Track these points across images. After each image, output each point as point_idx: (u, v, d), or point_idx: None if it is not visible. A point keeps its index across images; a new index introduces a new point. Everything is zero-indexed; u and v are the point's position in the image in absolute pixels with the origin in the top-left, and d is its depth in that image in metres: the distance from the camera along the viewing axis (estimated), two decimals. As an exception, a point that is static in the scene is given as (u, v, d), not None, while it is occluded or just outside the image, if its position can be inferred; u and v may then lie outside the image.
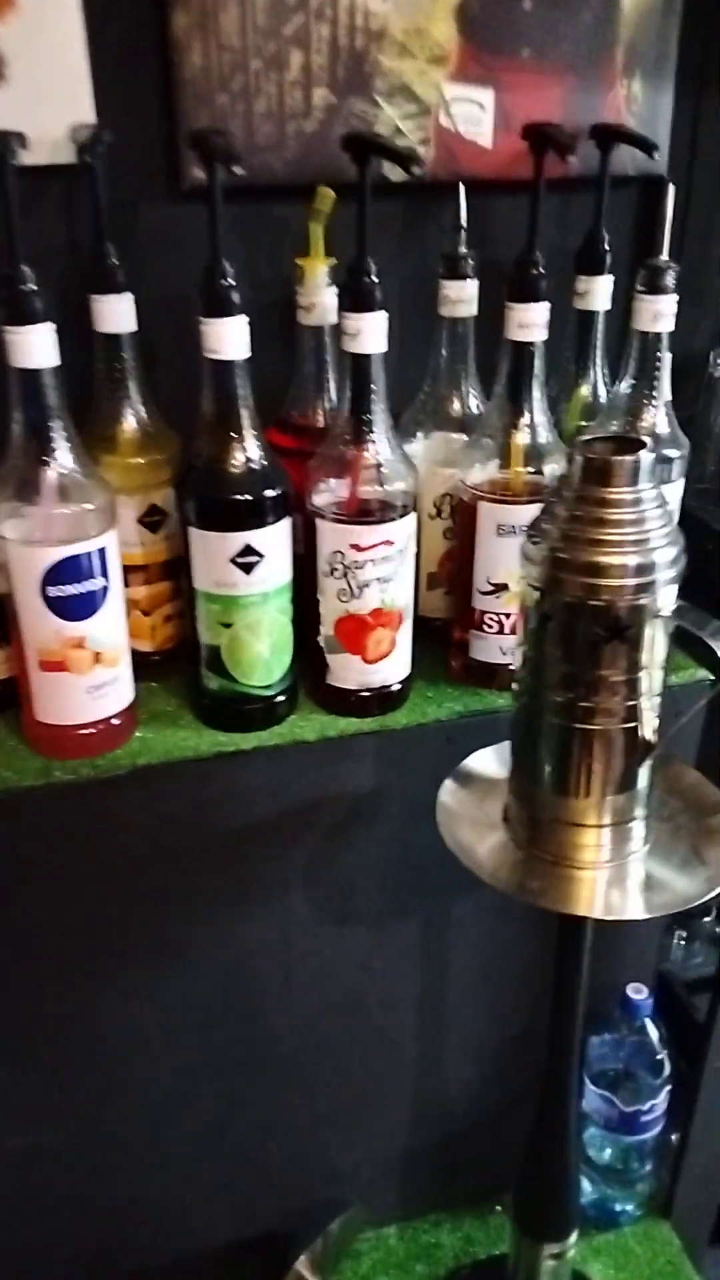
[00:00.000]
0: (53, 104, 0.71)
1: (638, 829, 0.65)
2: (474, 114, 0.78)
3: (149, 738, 0.76)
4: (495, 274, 0.84)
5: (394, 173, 0.78)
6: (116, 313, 0.74)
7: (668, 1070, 0.96)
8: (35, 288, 0.63)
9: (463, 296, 0.79)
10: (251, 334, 0.81)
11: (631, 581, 0.56)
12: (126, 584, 0.78)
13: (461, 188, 0.77)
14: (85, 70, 0.71)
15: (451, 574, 0.83)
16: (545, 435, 0.77)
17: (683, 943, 1.09)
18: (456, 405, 0.82)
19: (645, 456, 0.56)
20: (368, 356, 0.70)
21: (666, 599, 0.57)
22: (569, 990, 0.74)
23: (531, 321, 0.72)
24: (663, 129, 0.83)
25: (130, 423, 0.77)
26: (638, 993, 0.93)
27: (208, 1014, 0.85)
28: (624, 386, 0.79)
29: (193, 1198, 0.95)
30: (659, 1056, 0.95)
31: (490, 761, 0.74)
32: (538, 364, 0.74)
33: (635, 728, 0.61)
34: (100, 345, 0.75)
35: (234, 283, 0.66)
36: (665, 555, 0.57)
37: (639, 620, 0.57)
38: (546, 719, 0.61)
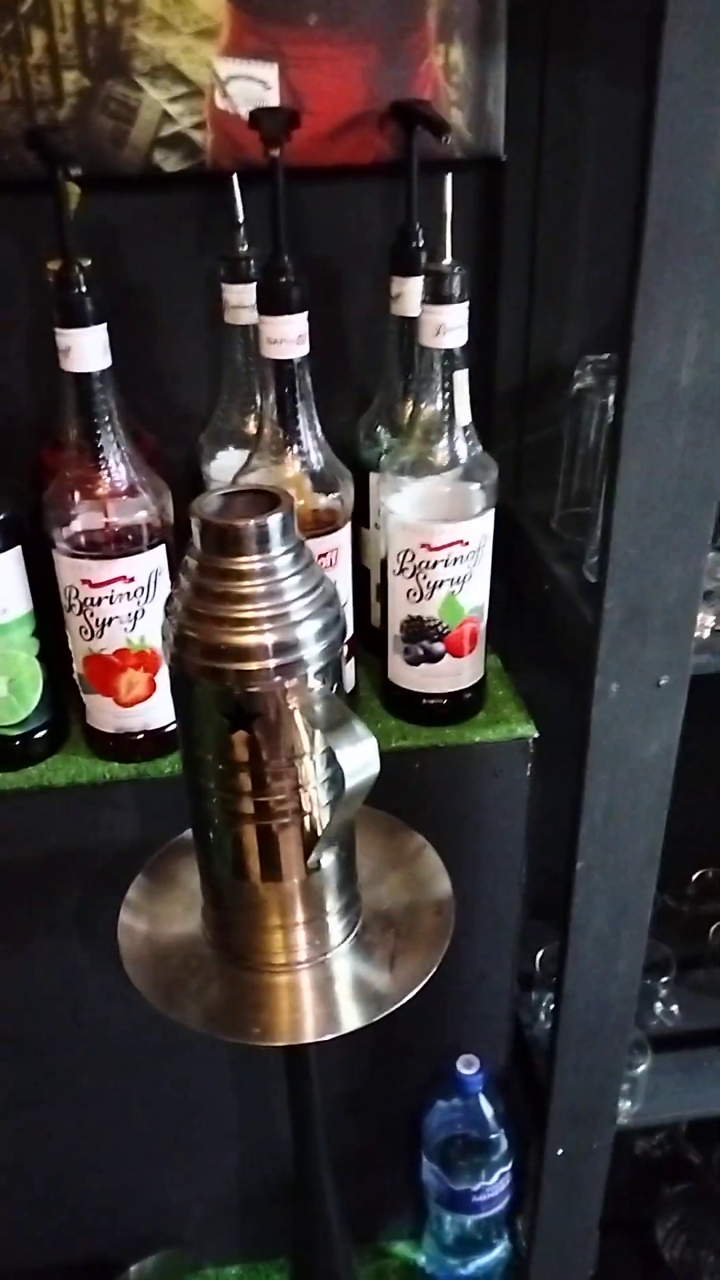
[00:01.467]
0: None
1: (334, 925, 0.58)
2: (257, 93, 0.69)
3: None
4: (314, 275, 0.75)
5: (168, 162, 0.71)
6: None
7: (503, 1149, 0.88)
8: None
9: (244, 301, 0.70)
10: (22, 340, 0.76)
11: (259, 664, 0.48)
12: None
13: (235, 180, 0.69)
14: None
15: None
16: (317, 461, 0.68)
17: (551, 1005, 0.99)
18: (253, 422, 0.75)
19: (273, 520, 0.47)
20: (87, 375, 0.63)
21: (312, 681, 0.49)
22: (305, 1109, 0.67)
23: (283, 337, 0.64)
24: (496, 105, 0.71)
25: None
26: (468, 1067, 0.85)
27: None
28: (427, 408, 0.69)
29: (4, 1225, 0.94)
30: (493, 1136, 0.87)
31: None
32: (302, 382, 0.66)
33: (301, 818, 0.53)
34: None
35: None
36: (305, 631, 0.49)
37: (272, 707, 0.49)
38: (208, 804, 0.54)
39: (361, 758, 0.47)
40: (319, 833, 0.53)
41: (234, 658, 0.48)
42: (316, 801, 0.52)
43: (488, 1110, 0.87)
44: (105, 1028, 0.83)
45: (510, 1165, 0.90)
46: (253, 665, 0.48)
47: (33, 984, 0.80)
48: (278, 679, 0.49)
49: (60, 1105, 0.87)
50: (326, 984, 0.58)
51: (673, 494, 0.58)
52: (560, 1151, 0.88)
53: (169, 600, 0.51)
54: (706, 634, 0.69)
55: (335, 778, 0.51)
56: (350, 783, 0.47)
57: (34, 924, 0.78)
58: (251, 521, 0.47)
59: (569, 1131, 0.89)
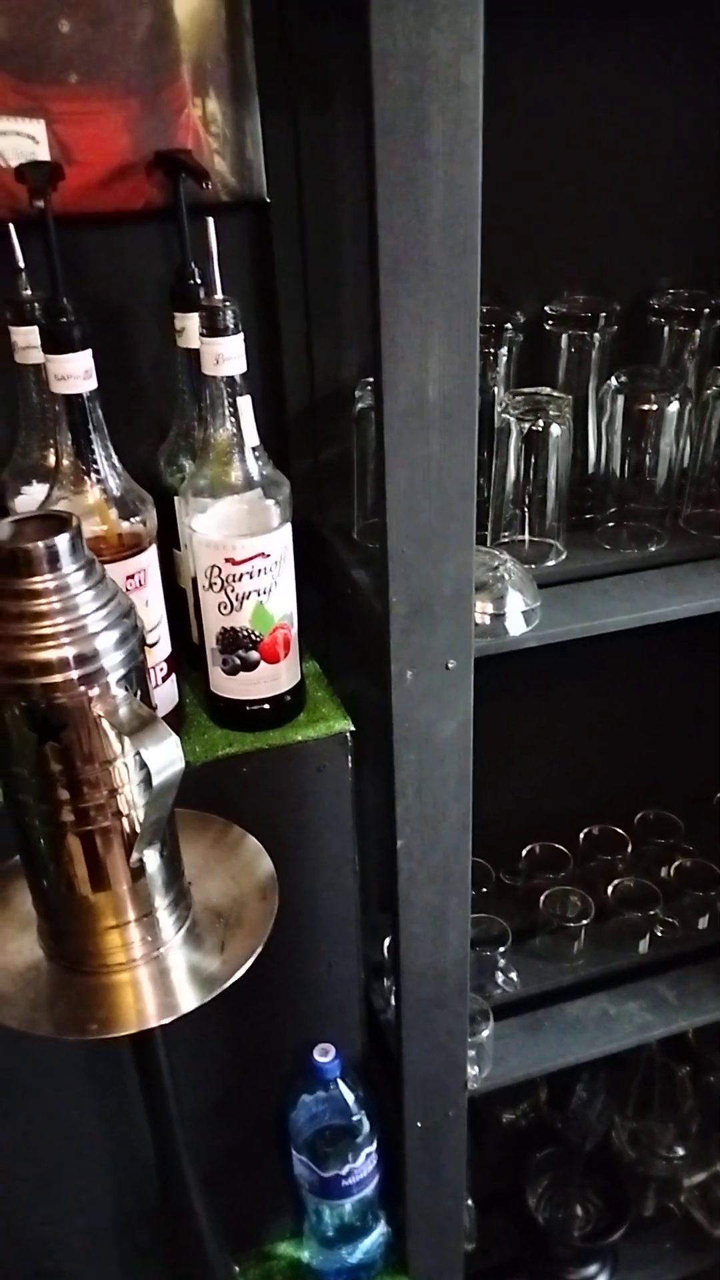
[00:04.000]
0: None
1: (164, 919, 0.61)
2: (27, 147, 0.73)
3: None
4: (98, 313, 0.79)
5: (-56, 214, 0.73)
6: None
7: (366, 1130, 0.93)
8: None
9: (29, 342, 0.74)
10: None
11: (62, 676, 0.52)
12: None
13: (11, 228, 0.72)
14: None
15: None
16: (117, 487, 0.72)
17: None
18: (52, 456, 0.78)
19: (62, 540, 0.51)
20: None
21: (115, 689, 0.53)
22: (160, 1109, 0.70)
23: (69, 373, 0.67)
24: (254, 150, 0.78)
25: None
26: (324, 1055, 0.89)
27: None
28: (217, 433, 0.74)
29: None
30: (355, 1118, 0.92)
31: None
32: (94, 414, 0.70)
33: (121, 820, 0.56)
34: None
35: None
36: (103, 643, 0.52)
37: (79, 718, 0.53)
38: (29, 820, 0.57)
39: (166, 755, 0.51)
40: (136, 834, 0.57)
41: (37, 672, 0.52)
42: (133, 803, 0.56)
43: (348, 1095, 0.92)
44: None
45: (374, 1145, 0.94)
46: (56, 678, 0.52)
47: None
48: (81, 689, 0.52)
49: None
50: (163, 975, 0.61)
51: (435, 495, 0.65)
52: (419, 1124, 0.93)
53: (-31, 626, 0.53)
54: (487, 620, 0.76)
55: (147, 779, 0.54)
56: (157, 780, 0.51)
57: None
58: (40, 543, 0.51)
59: (424, 1103, 0.94)
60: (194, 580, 0.79)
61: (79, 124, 0.73)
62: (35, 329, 0.73)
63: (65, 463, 0.72)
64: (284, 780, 0.82)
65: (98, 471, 0.71)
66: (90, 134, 0.73)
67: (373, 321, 0.60)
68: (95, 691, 0.52)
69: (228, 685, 0.80)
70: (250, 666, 0.79)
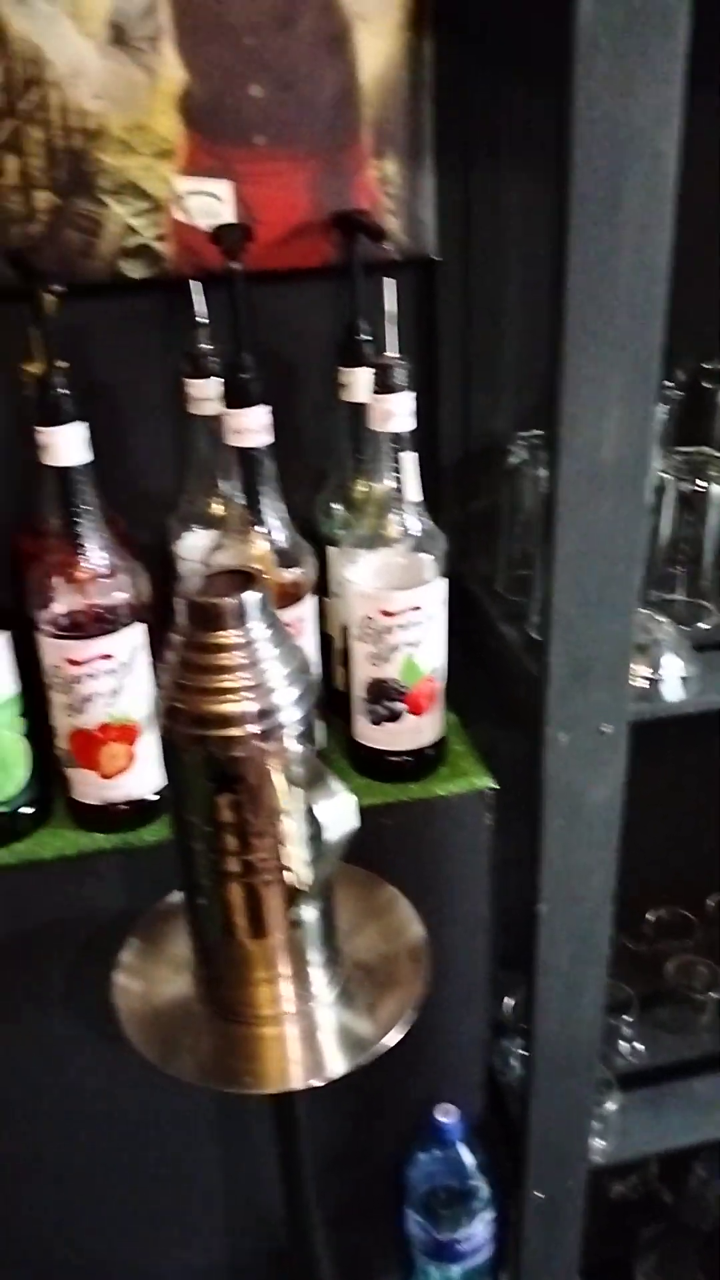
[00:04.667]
0: None
1: (317, 976, 0.61)
2: (211, 206, 0.75)
3: None
4: (266, 366, 0.81)
5: (133, 270, 0.77)
6: None
7: (484, 1195, 0.90)
8: None
9: (205, 394, 0.76)
10: (2, 435, 0.80)
11: (241, 730, 0.52)
12: None
13: (195, 285, 0.75)
14: None
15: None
16: (283, 541, 0.73)
17: (522, 1051, 1.03)
18: (216, 503, 0.80)
19: (250, 597, 0.52)
20: (67, 470, 0.67)
21: (290, 744, 0.54)
22: (294, 1160, 0.70)
23: (247, 427, 0.69)
24: (426, 211, 0.79)
25: None
26: (446, 1116, 0.88)
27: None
28: (379, 486, 0.75)
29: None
30: (473, 1183, 0.90)
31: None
32: (265, 467, 0.71)
33: (284, 874, 0.57)
34: None
35: None
36: (283, 698, 0.53)
37: (255, 770, 0.53)
38: (197, 864, 0.58)
39: (339, 813, 0.52)
40: (300, 888, 0.57)
41: (219, 725, 0.53)
42: (298, 858, 0.56)
43: (467, 1158, 0.90)
44: (91, 1098, 0.84)
45: (492, 1212, 0.92)
46: (236, 731, 0.53)
47: (19, 1056, 0.82)
48: (259, 743, 0.53)
49: (46, 1176, 0.88)
50: (312, 1033, 0.61)
51: (602, 558, 0.65)
52: (538, 1193, 0.90)
53: (158, 675, 0.55)
54: (643, 684, 0.75)
55: (316, 834, 0.55)
56: (330, 837, 0.51)
57: (20, 997, 0.79)
58: (231, 599, 0.52)
59: (546, 1173, 0.91)
60: (345, 629, 0.79)
61: (263, 184, 0.75)
62: (212, 382, 0.75)
63: (234, 513, 0.73)
64: (422, 834, 0.82)
65: (265, 523, 0.73)
66: (273, 194, 0.76)
67: (552, 386, 0.60)
68: (273, 746, 0.53)
69: (372, 735, 0.80)
70: (396, 718, 0.79)
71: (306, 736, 0.54)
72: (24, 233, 0.73)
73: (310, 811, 0.53)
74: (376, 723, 0.80)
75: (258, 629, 0.53)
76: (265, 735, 0.53)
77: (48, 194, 0.73)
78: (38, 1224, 0.91)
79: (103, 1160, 0.89)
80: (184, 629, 0.53)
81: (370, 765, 0.82)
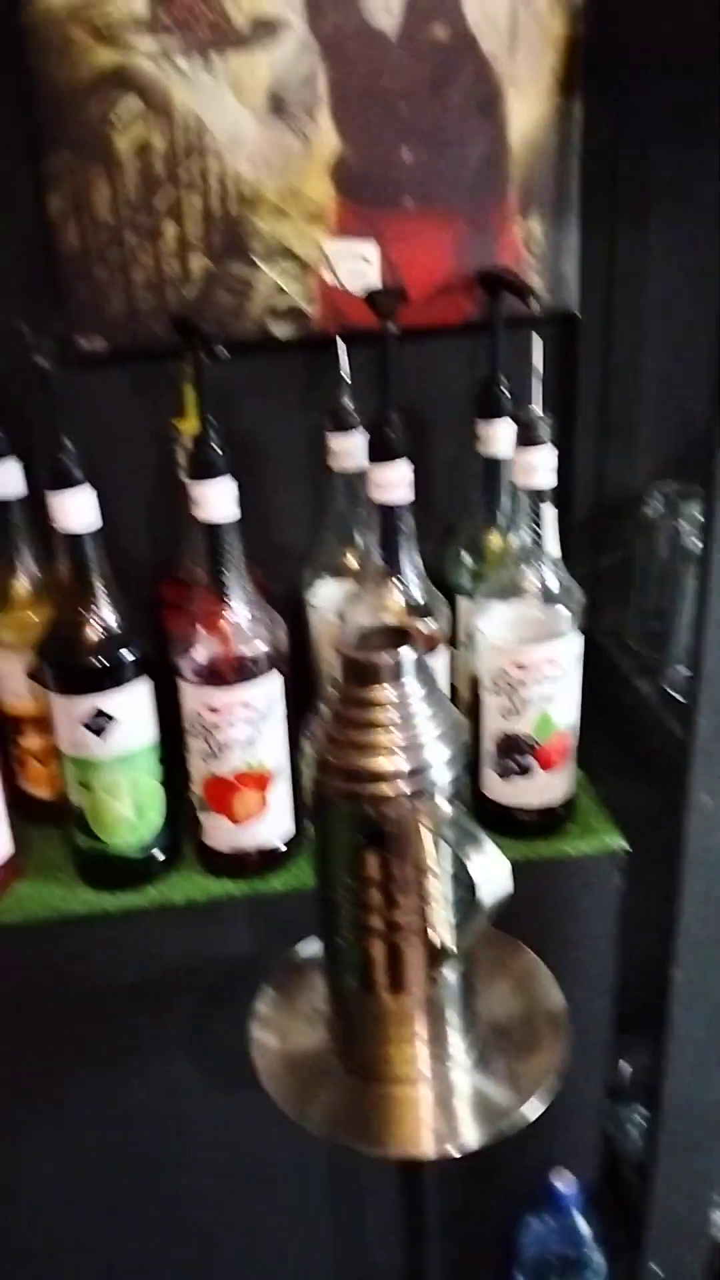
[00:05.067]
0: (-58, 287, 0.75)
1: (455, 1039, 0.60)
2: (358, 267, 0.77)
3: (26, 893, 0.77)
4: (415, 422, 0.82)
5: (280, 329, 0.79)
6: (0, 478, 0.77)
7: (598, 1267, 0.87)
8: None
9: (346, 449, 0.77)
10: (150, 486, 0.83)
11: (393, 788, 0.53)
12: (20, 734, 0.81)
13: (340, 343, 0.77)
14: (-28, 254, 0.75)
15: (352, 724, 0.81)
16: (419, 594, 0.74)
17: (640, 1118, 0.99)
18: (353, 556, 0.81)
19: (407, 655, 0.53)
20: (217, 525, 0.69)
21: (442, 803, 0.53)
22: (418, 1222, 0.68)
23: (389, 482, 0.70)
24: (569, 267, 0.79)
25: (22, 581, 0.79)
26: (563, 1181, 0.85)
27: (97, 1169, 0.84)
28: (516, 538, 0.75)
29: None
30: (587, 1252, 0.87)
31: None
32: (405, 522, 0.72)
33: (428, 934, 0.56)
34: (-9, 508, 0.78)
35: (75, 458, 0.68)
36: (436, 757, 0.53)
37: (405, 829, 0.53)
38: (338, 918, 0.58)
39: (496, 877, 0.51)
40: (444, 949, 0.56)
41: (369, 781, 0.53)
42: (443, 918, 0.56)
43: (582, 1227, 0.87)
44: (209, 1144, 0.85)
45: (609, 1284, 0.89)
46: (387, 789, 0.53)
47: (139, 1099, 0.82)
48: (411, 802, 0.53)
49: (159, 1221, 0.88)
50: (447, 1097, 0.60)
51: (758, 620, 0.63)
52: (656, 1268, 0.87)
53: (310, 727, 0.55)
54: None
55: (464, 896, 0.54)
56: (486, 901, 0.51)
57: (143, 1040, 0.80)
58: (387, 656, 0.52)
59: (665, 1247, 0.88)
60: (474, 681, 0.79)
61: (409, 244, 0.77)
62: (353, 437, 0.77)
63: (370, 565, 0.74)
64: (549, 893, 0.80)
65: (401, 575, 0.73)
66: (418, 253, 0.77)
67: (710, 438, 0.59)
68: (424, 805, 0.53)
69: (500, 789, 0.80)
70: (526, 772, 0.78)
71: (458, 796, 0.54)
72: (179, 295, 0.76)
73: (461, 874, 0.53)
74: (505, 777, 0.79)
75: (413, 687, 0.53)
76: (416, 794, 0.53)
77: (203, 258, 0.76)
78: (147, 1267, 0.91)
79: (216, 1205, 0.89)
80: (339, 683, 0.54)
81: (496, 820, 0.81)
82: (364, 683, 0.53)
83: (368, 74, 0.73)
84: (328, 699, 0.54)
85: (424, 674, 0.53)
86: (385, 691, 0.53)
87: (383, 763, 0.53)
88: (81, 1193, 0.86)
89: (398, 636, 0.54)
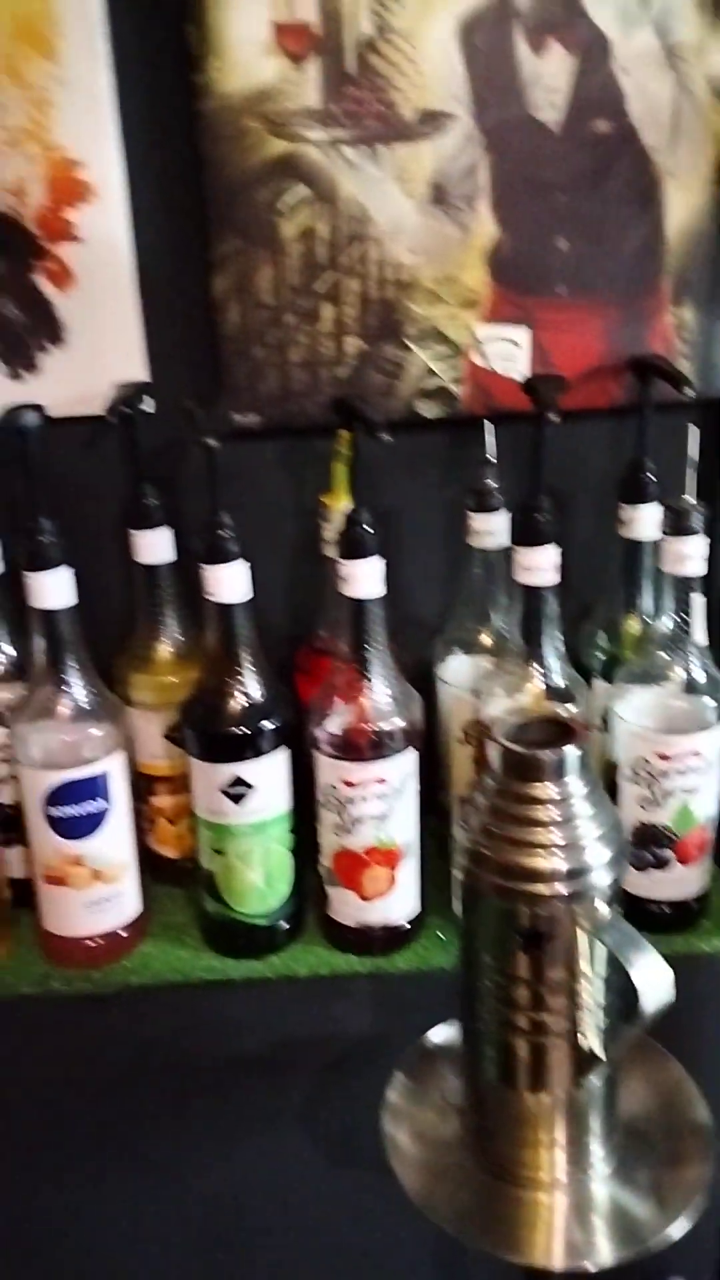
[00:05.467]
0: (108, 363, 0.78)
1: (595, 1147, 0.58)
2: (509, 351, 0.78)
3: (150, 953, 0.77)
4: (555, 502, 0.82)
5: (427, 409, 0.80)
6: (152, 545, 0.79)
7: None
8: (52, 539, 0.69)
9: (488, 528, 0.77)
10: (291, 556, 0.84)
11: (550, 888, 0.52)
12: (152, 793, 0.82)
13: (488, 425, 0.77)
14: (138, 332, 0.78)
15: (480, 803, 0.80)
16: (559, 678, 0.73)
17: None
18: (487, 633, 0.80)
19: (571, 751, 0.52)
20: (363, 601, 0.70)
21: (600, 906, 0.52)
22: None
23: (537, 565, 0.70)
24: (719, 352, 0.79)
25: (164, 644, 0.81)
26: (684, 1295, 0.81)
27: (202, 1238, 0.83)
28: (660, 624, 0.74)
29: None
30: None
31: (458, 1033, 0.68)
32: (549, 606, 0.72)
33: (576, 1038, 0.55)
34: (140, 573, 0.80)
35: (231, 533, 0.69)
36: (596, 858, 0.52)
37: (561, 930, 0.52)
38: (483, 1012, 0.57)
39: (658, 985, 0.50)
40: (593, 1054, 0.55)
41: (526, 879, 0.52)
42: (593, 1024, 0.54)
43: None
44: (313, 1220, 0.83)
45: None
46: (544, 889, 0.52)
47: (248, 1170, 0.82)
48: (568, 903, 0.52)
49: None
50: (584, 1208, 0.58)
51: None
52: None
53: (464, 815, 0.55)
54: None
55: (617, 1002, 0.52)
56: (647, 1010, 0.49)
57: (257, 1109, 0.80)
58: (551, 752, 0.52)
59: None
60: (610, 767, 0.78)
61: (561, 331, 0.77)
62: (495, 516, 0.77)
63: (510, 645, 0.74)
64: (682, 991, 0.77)
65: (542, 658, 0.73)
66: (570, 340, 0.77)
67: None
68: (581, 907, 0.52)
69: (633, 880, 0.77)
70: (662, 865, 0.76)
71: (616, 900, 0.53)
72: (332, 374, 0.78)
73: (616, 980, 0.51)
74: (640, 868, 0.77)
75: (575, 785, 0.52)
76: (575, 896, 0.52)
77: (357, 339, 0.77)
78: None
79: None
80: (497, 775, 0.53)
81: (627, 912, 0.78)
82: (525, 778, 0.52)
83: (529, 165, 0.74)
84: (484, 789, 0.54)
85: (586, 771, 0.53)
86: (547, 789, 0.52)
87: (541, 862, 0.52)
88: (181, 1258, 0.86)
89: (558, 729, 0.54)
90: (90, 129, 0.73)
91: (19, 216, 0.74)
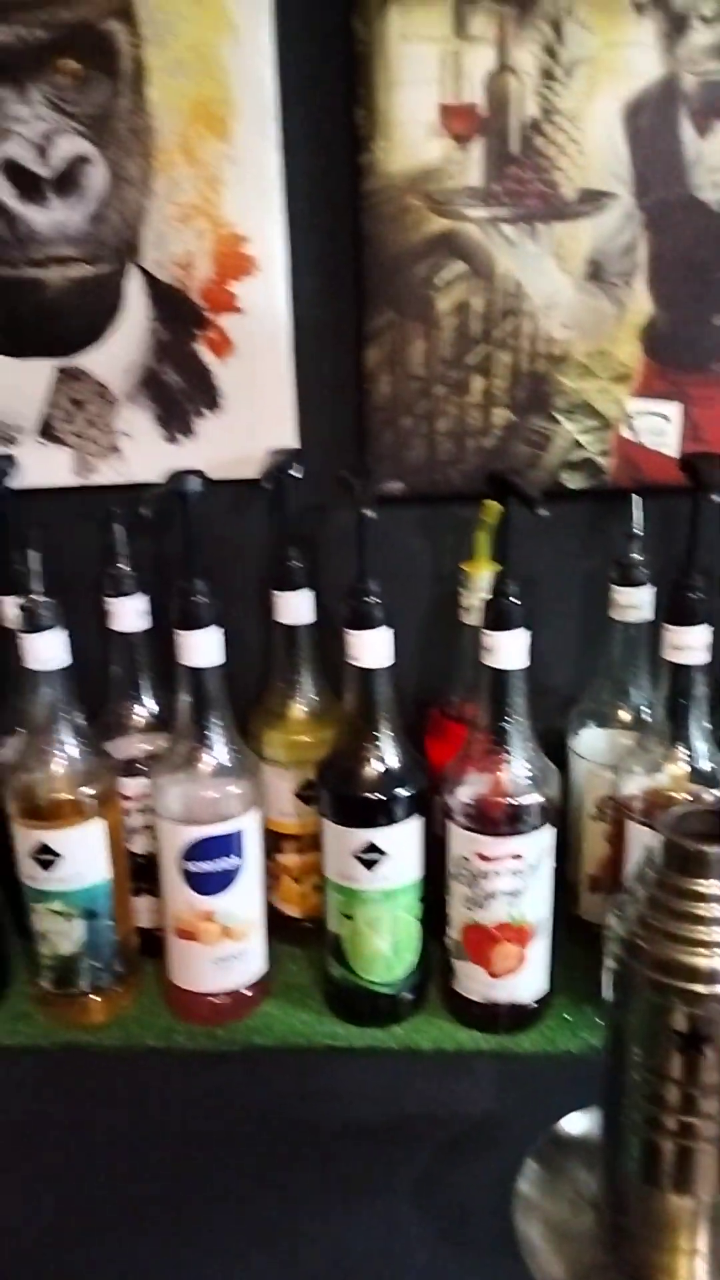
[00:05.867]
0: (261, 429, 0.80)
1: (742, 1261, 0.55)
2: (658, 426, 0.77)
3: (273, 1014, 0.77)
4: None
5: (573, 481, 0.80)
6: (294, 606, 0.80)
7: None
8: (205, 599, 0.71)
9: (632, 602, 0.76)
10: (425, 621, 0.85)
11: (710, 989, 0.50)
12: (279, 850, 0.82)
13: (636, 499, 0.77)
14: (291, 400, 0.80)
15: (611, 881, 0.78)
16: (706, 761, 0.71)
17: None
18: (625, 708, 0.79)
19: (741, 847, 0.50)
20: (506, 672, 0.70)
21: (763, 1011, 0.50)
22: None
23: (687, 644, 0.69)
24: None
25: (298, 702, 0.82)
26: None
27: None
28: None
29: None
30: None
31: (594, 1124, 0.66)
32: (698, 686, 0.70)
33: (730, 1147, 0.52)
34: (280, 633, 0.81)
35: (377, 599, 0.70)
36: (761, 961, 0.50)
37: (714, 1032, 0.50)
38: (628, 1106, 0.55)
39: None
40: (746, 1161, 0.52)
41: (685, 977, 0.50)
42: (748, 1129, 0.52)
43: None
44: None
45: None
46: (703, 988, 0.50)
47: (358, 1248, 0.80)
48: (729, 1005, 0.50)
49: None
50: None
51: None
52: None
53: (621, 903, 0.54)
54: None
55: None
56: None
57: (367, 1185, 0.78)
58: (718, 848, 0.50)
59: None
60: None
61: (712, 406, 0.77)
62: (640, 591, 0.76)
63: (655, 724, 0.72)
64: None
65: (688, 740, 0.71)
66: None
67: None
68: (740, 1009, 0.50)
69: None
70: None
71: (779, 1004, 0.51)
72: (478, 444, 0.78)
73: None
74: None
75: (741, 882, 0.51)
76: (733, 997, 0.50)
77: (506, 411, 0.78)
78: None
79: None
80: (658, 866, 0.52)
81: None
82: (689, 873, 0.51)
83: (688, 244, 0.74)
84: (643, 879, 0.53)
85: (756, 869, 0.51)
86: (712, 886, 0.50)
87: (702, 961, 0.50)
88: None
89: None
90: (257, 206, 0.75)
91: (185, 288, 0.77)
